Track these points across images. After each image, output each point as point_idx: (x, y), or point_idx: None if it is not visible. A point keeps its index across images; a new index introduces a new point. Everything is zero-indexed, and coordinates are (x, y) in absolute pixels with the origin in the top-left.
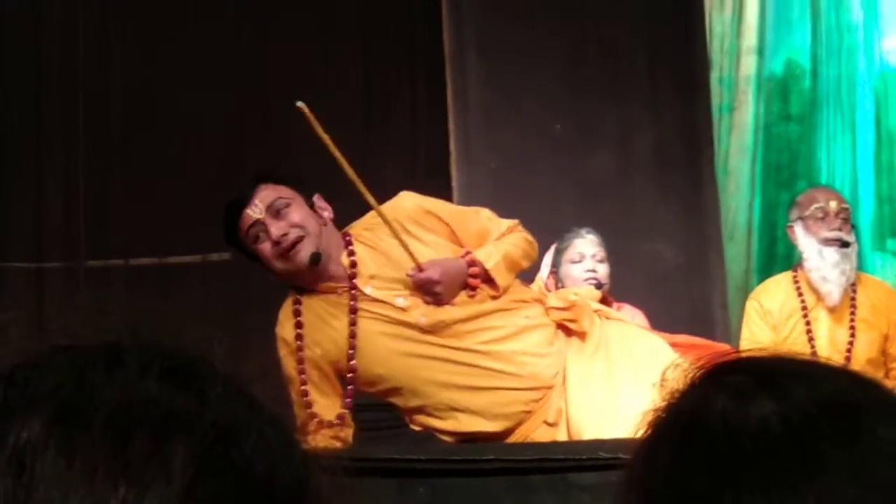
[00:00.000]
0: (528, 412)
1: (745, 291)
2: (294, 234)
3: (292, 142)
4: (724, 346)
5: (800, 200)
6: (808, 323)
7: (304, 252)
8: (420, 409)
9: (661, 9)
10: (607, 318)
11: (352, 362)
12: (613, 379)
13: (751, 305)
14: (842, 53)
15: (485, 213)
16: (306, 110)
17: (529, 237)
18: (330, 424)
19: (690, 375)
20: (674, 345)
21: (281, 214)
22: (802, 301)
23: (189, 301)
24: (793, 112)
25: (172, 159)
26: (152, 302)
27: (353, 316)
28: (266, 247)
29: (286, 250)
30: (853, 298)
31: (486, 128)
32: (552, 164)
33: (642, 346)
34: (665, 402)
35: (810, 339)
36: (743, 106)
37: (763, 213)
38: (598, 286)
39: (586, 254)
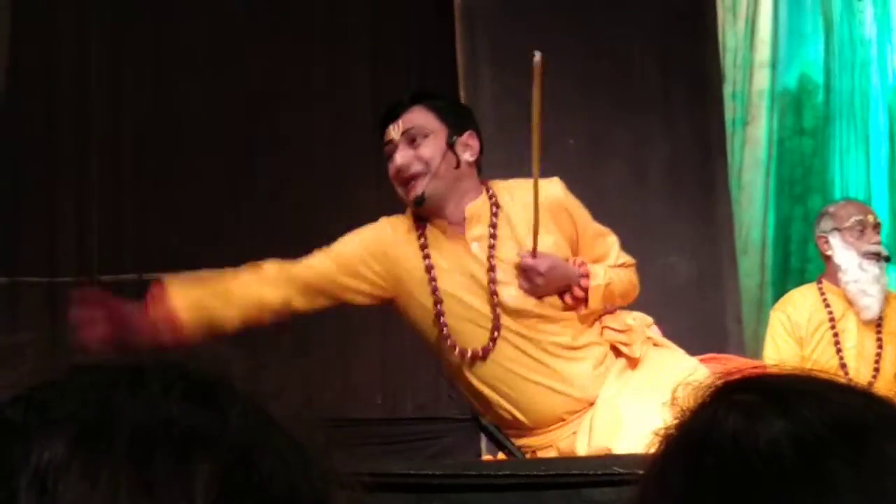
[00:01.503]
0: (563, 420)
1: (759, 305)
2: (416, 168)
3: (303, 157)
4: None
5: (833, 212)
6: (835, 335)
7: (416, 190)
8: (462, 372)
9: (675, 23)
10: (655, 344)
11: (439, 305)
12: (642, 396)
13: (776, 317)
14: (855, 68)
15: (611, 239)
16: (539, 67)
17: (636, 281)
18: (296, 281)
19: (702, 394)
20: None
21: (415, 143)
22: (830, 313)
23: None
24: (806, 126)
25: (184, 174)
26: None
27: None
28: (391, 166)
29: (402, 182)
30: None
31: (498, 142)
32: (565, 178)
33: (681, 370)
34: (677, 421)
35: (839, 351)
36: (756, 120)
37: (777, 226)
38: None
39: None
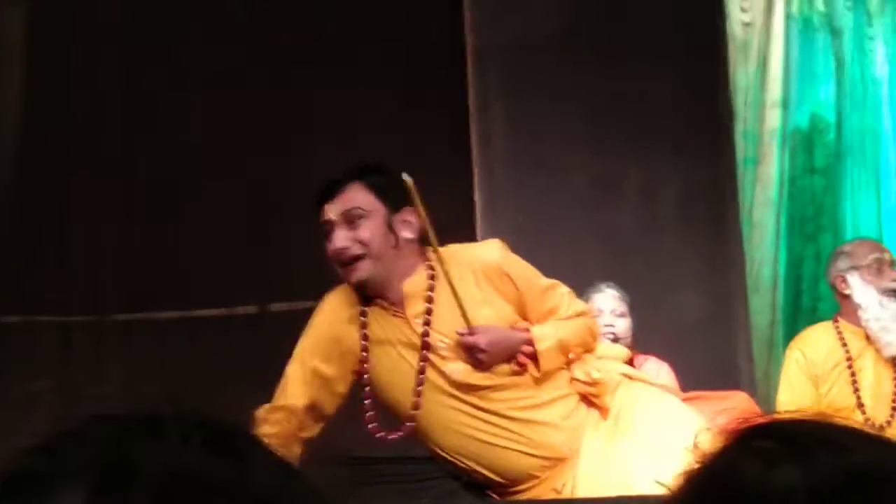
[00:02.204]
0: (537, 478)
1: (770, 344)
2: (355, 250)
3: (312, 195)
4: (742, 395)
5: (850, 251)
6: (852, 374)
7: (359, 273)
8: (428, 442)
9: (686, 62)
10: (631, 378)
11: (366, 376)
12: (627, 448)
13: (792, 356)
14: (866, 107)
15: (561, 290)
16: (410, 184)
17: (594, 327)
18: (297, 412)
19: (722, 439)
20: (698, 398)
21: (353, 224)
22: (847, 352)
23: (215, 354)
24: (817, 165)
25: (198, 212)
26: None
27: (424, 352)
28: (328, 246)
29: (341, 264)
30: None
31: (510, 177)
32: (576, 217)
33: (662, 411)
34: (697, 466)
35: (856, 391)
36: (767, 159)
37: (788, 265)
38: (615, 341)
39: (605, 309)
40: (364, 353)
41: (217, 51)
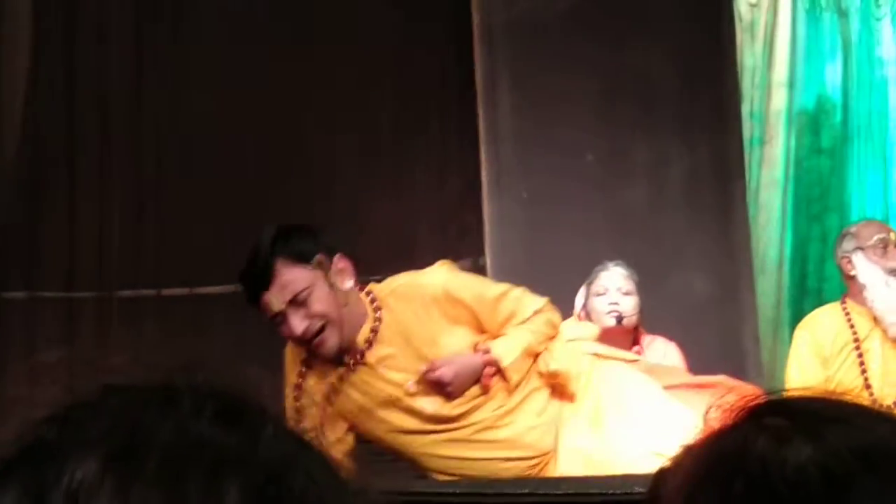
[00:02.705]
0: (526, 478)
1: (776, 324)
2: (316, 325)
3: (326, 171)
4: (730, 383)
5: (855, 232)
6: (860, 355)
7: (330, 343)
8: (419, 468)
9: (693, 42)
10: (605, 358)
11: (367, 427)
12: (604, 437)
13: (801, 337)
14: (873, 87)
15: (513, 294)
16: None
17: (555, 318)
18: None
19: (733, 415)
20: (682, 386)
21: (302, 304)
22: (854, 333)
23: (220, 332)
24: (824, 146)
25: (205, 189)
26: (194, 337)
27: (375, 393)
28: (285, 333)
29: (308, 342)
30: None
31: (517, 158)
32: (583, 196)
33: (633, 393)
34: (708, 442)
35: (863, 372)
36: (774, 139)
37: (794, 246)
38: (619, 319)
39: (610, 287)
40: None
41: (227, 18)
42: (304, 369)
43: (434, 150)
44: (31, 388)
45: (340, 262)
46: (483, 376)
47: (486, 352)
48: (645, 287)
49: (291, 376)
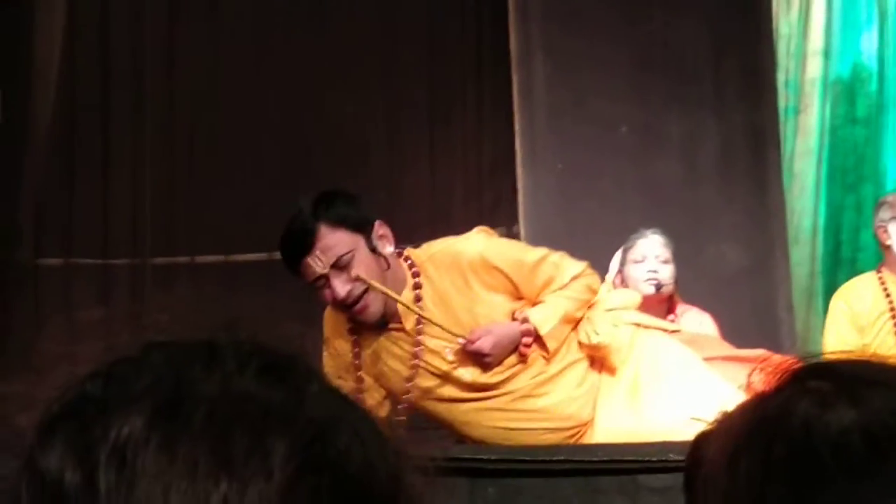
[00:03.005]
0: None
1: (810, 294)
2: (359, 289)
3: (361, 141)
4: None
5: (892, 201)
6: None
7: (373, 309)
8: (460, 434)
9: (728, 11)
10: (646, 327)
11: (406, 396)
12: (642, 410)
13: (837, 307)
14: None
15: (552, 259)
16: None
17: (594, 283)
18: None
19: (776, 378)
20: (722, 358)
21: (345, 268)
22: (890, 302)
23: (255, 298)
24: (859, 115)
25: (238, 157)
26: (231, 301)
27: (415, 361)
28: (328, 297)
29: (350, 307)
30: None
31: (551, 128)
32: (617, 166)
33: (673, 365)
34: (752, 404)
35: None
36: (809, 108)
37: (828, 216)
38: (658, 287)
39: (648, 254)
40: (407, 385)
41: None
42: (354, 337)
43: (469, 120)
44: (72, 345)
45: (381, 229)
46: (521, 345)
47: (525, 320)
48: (679, 258)
49: (335, 342)
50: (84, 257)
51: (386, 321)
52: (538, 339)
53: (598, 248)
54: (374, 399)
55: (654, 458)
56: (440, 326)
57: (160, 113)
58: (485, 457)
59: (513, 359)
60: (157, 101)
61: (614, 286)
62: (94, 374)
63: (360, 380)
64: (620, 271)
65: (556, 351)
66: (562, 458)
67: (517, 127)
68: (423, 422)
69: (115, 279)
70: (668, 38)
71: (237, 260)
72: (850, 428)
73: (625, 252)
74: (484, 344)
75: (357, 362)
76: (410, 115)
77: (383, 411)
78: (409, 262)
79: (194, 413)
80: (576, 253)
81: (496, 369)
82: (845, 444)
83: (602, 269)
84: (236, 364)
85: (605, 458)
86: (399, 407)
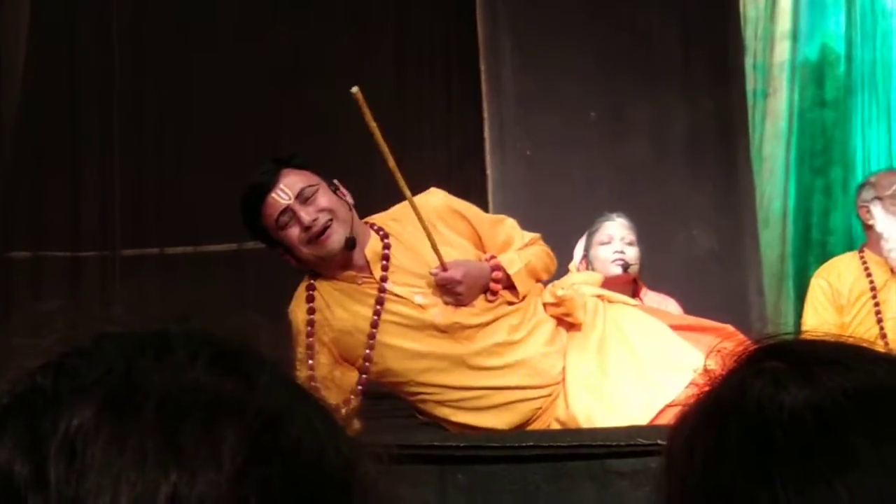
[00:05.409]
0: (540, 409)
1: (780, 277)
2: (324, 218)
3: (327, 129)
4: (730, 329)
5: (875, 181)
6: (876, 304)
7: (336, 237)
8: (429, 402)
9: None
10: (609, 301)
11: (368, 351)
12: (609, 368)
13: (818, 285)
14: (877, 39)
15: (509, 222)
16: (360, 97)
17: (550, 251)
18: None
19: (732, 359)
20: (686, 327)
21: (309, 200)
22: (871, 282)
23: (224, 289)
24: (827, 98)
25: (207, 148)
26: (192, 291)
27: (378, 307)
28: (294, 232)
29: (316, 236)
30: None
31: (519, 116)
32: (587, 152)
33: (640, 330)
34: (707, 387)
35: (879, 321)
36: (777, 92)
37: (798, 198)
38: (625, 267)
39: (615, 236)
40: (372, 331)
41: None
42: (311, 305)
43: (438, 109)
44: (35, 338)
45: (341, 185)
46: (491, 280)
47: (492, 257)
48: (649, 243)
49: (301, 313)
50: (53, 250)
51: (353, 275)
52: (508, 285)
53: (568, 234)
54: (346, 377)
55: (622, 443)
56: (429, 236)
57: (128, 105)
58: (454, 444)
59: (485, 304)
60: (126, 92)
61: (578, 271)
62: (44, 366)
63: (310, 346)
64: (585, 256)
65: (526, 305)
66: (531, 443)
67: (486, 115)
68: (389, 410)
69: (84, 271)
70: (636, 23)
71: (207, 251)
72: (802, 407)
73: (590, 235)
74: (455, 272)
75: (310, 329)
76: (378, 105)
77: (351, 382)
78: (375, 227)
79: (144, 404)
80: (546, 239)
81: (469, 310)
82: (798, 424)
83: (572, 255)
84: (187, 355)
85: (573, 444)
86: (362, 377)
